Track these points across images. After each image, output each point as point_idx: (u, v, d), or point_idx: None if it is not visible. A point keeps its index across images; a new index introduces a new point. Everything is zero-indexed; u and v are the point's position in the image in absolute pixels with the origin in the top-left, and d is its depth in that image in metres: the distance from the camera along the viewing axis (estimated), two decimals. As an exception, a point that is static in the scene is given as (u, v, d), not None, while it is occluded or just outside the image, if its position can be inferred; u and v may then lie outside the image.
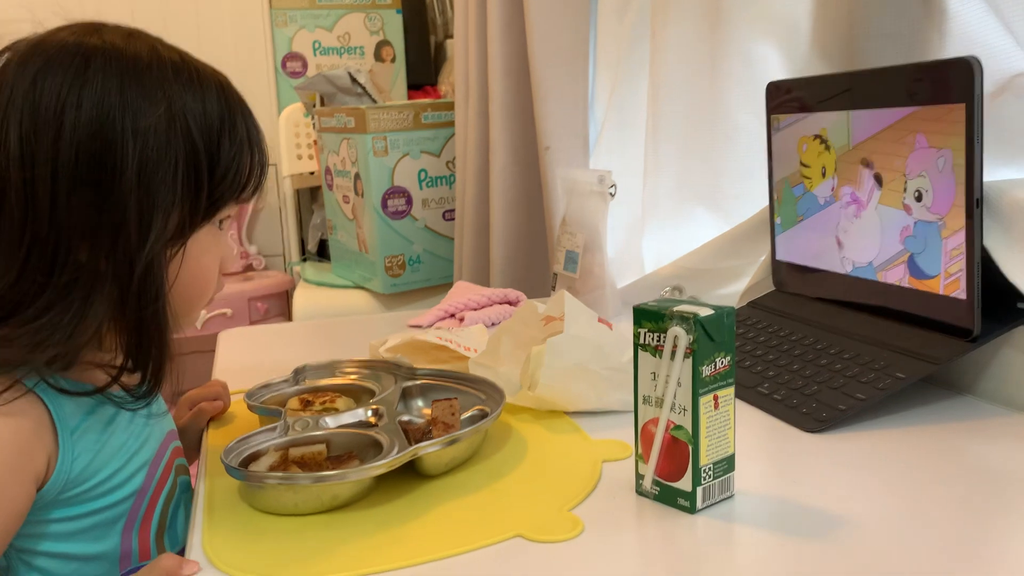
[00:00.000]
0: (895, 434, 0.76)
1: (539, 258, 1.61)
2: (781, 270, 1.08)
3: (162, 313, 0.62)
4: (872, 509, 0.62)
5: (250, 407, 0.81)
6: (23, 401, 0.59)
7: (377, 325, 1.37)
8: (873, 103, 0.89)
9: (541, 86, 1.48)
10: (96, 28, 0.63)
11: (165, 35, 0.68)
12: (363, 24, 2.41)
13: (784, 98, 1.04)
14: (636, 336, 0.64)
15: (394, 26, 2.44)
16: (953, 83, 0.78)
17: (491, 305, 1.32)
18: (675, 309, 0.61)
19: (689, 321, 0.60)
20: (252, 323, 2.25)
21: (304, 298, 1.88)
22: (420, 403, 0.86)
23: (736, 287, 1.21)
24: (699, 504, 0.62)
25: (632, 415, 0.81)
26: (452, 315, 1.31)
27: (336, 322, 1.44)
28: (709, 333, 0.60)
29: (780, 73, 1.13)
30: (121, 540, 0.66)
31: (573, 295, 1.32)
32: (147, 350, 0.62)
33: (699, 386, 0.60)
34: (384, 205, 1.76)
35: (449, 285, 1.87)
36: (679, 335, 0.60)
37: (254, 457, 0.70)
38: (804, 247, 1.02)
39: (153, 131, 0.60)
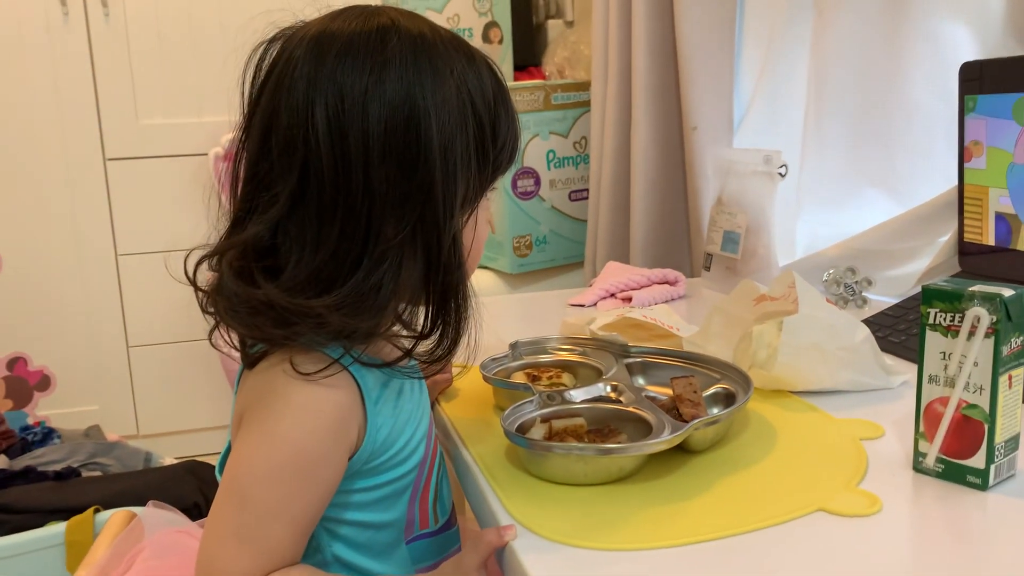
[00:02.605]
0: None
1: (679, 237, 1.61)
2: (971, 252, 1.07)
3: (464, 278, 0.64)
4: None
5: (487, 379, 0.83)
6: (340, 376, 0.61)
7: (531, 304, 1.39)
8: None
9: (689, 66, 1.48)
10: (377, 11, 0.65)
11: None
12: (472, 6, 2.41)
13: (981, 79, 1.03)
14: (925, 316, 0.64)
15: (502, 7, 2.44)
16: None
17: (650, 285, 1.33)
18: (972, 289, 0.62)
19: (994, 301, 0.60)
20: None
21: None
22: (642, 380, 0.87)
23: (909, 269, 1.21)
24: (991, 481, 0.63)
25: (862, 395, 0.83)
26: (612, 295, 1.32)
27: (490, 301, 1.45)
28: (1010, 313, 0.61)
29: (969, 54, 1.12)
30: (407, 509, 0.69)
31: (733, 275, 1.33)
32: (449, 314, 0.64)
33: (999, 365, 0.61)
34: (514, 186, 1.78)
35: (573, 265, 1.89)
36: (981, 315, 0.61)
37: (521, 428, 0.72)
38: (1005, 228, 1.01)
39: (447, 106, 0.61)
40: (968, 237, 1.07)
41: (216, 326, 0.63)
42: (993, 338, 0.61)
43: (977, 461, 0.63)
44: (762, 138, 1.47)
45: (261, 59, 0.65)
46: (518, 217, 1.79)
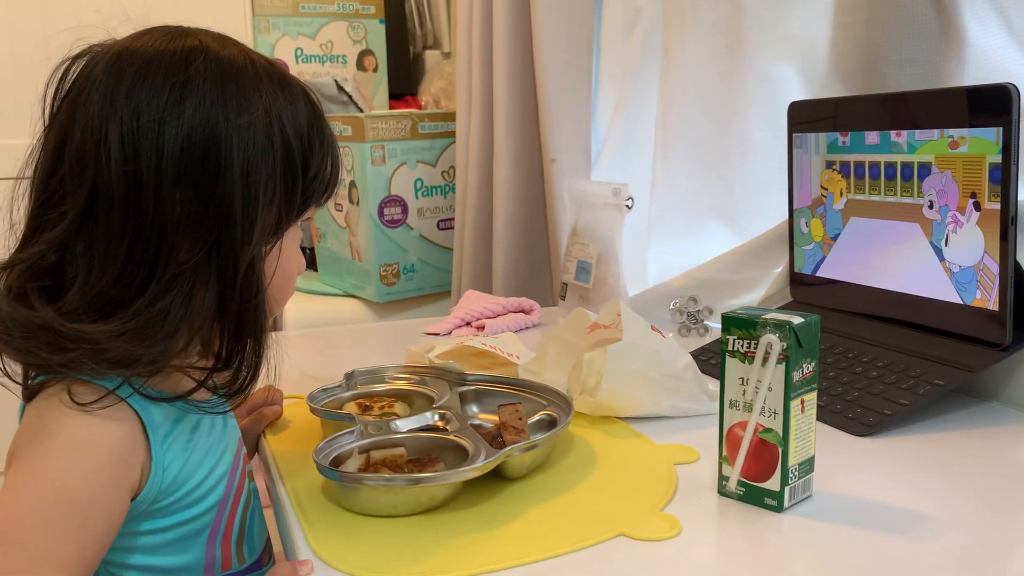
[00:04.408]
0: (940, 437, 0.80)
1: (540, 267, 1.63)
2: (799, 282, 1.12)
3: (262, 307, 0.62)
4: (939, 506, 0.66)
5: (313, 410, 0.82)
6: (118, 410, 0.59)
7: (391, 332, 1.37)
8: (903, 125, 0.94)
9: (547, 99, 1.51)
10: (186, 32, 0.64)
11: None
12: (346, 33, 2.40)
13: (807, 117, 1.08)
14: (724, 343, 0.67)
15: (377, 35, 2.44)
16: (991, 108, 0.83)
17: (506, 314, 1.34)
18: (766, 317, 0.64)
19: (784, 328, 0.63)
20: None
21: (295, 306, 1.87)
22: (475, 408, 0.87)
23: (749, 298, 1.26)
24: (786, 503, 0.65)
25: (686, 420, 0.85)
26: (468, 323, 1.32)
27: (348, 330, 1.44)
28: (800, 340, 0.64)
29: (798, 94, 1.18)
30: (205, 551, 0.66)
31: (586, 303, 1.35)
32: (245, 345, 0.62)
33: (790, 390, 0.64)
34: (380, 214, 1.76)
35: (441, 294, 1.89)
36: (772, 342, 0.63)
37: (337, 460, 0.71)
38: (829, 262, 1.07)
39: (253, 130, 0.60)
40: (798, 268, 1.13)
41: None
42: (784, 364, 0.63)
43: (773, 483, 0.65)
44: (617, 171, 1.51)
45: (64, 75, 0.62)
46: (384, 245, 1.78)
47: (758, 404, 0.65)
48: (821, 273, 1.08)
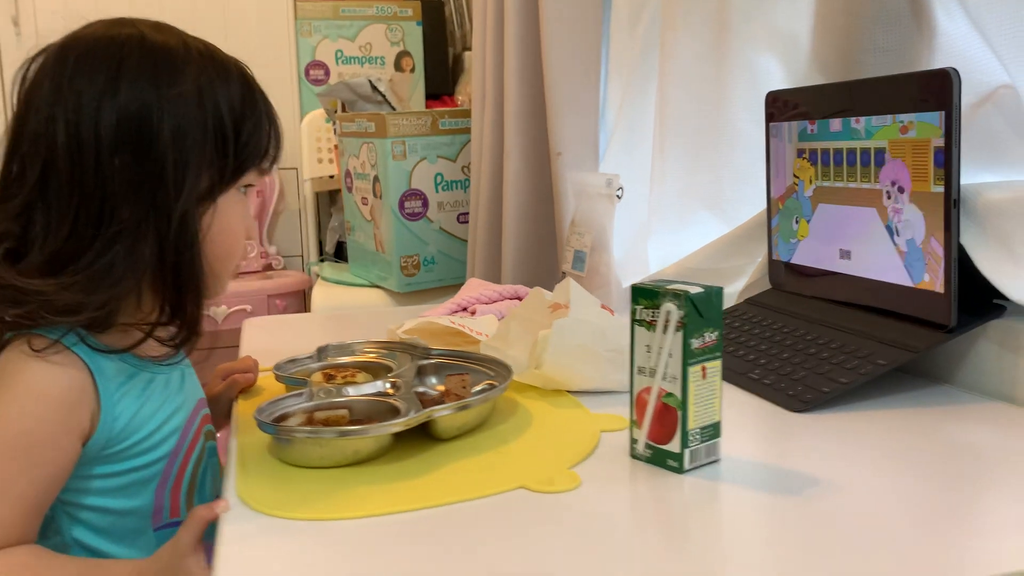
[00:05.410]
0: (875, 415, 0.82)
1: (549, 258, 1.67)
2: (776, 269, 1.14)
3: (197, 261, 0.69)
4: (848, 475, 0.68)
5: (278, 377, 0.88)
6: (68, 358, 0.66)
7: (391, 316, 1.43)
8: (861, 111, 0.95)
9: (554, 95, 1.55)
10: (124, 22, 0.71)
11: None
12: (384, 35, 2.49)
13: (781, 107, 1.10)
14: (632, 312, 0.70)
15: (414, 37, 2.52)
16: (935, 92, 0.84)
17: (501, 300, 1.38)
18: (668, 287, 0.68)
19: (680, 298, 0.66)
20: (270, 320, 2.32)
21: (322, 295, 1.95)
22: (434, 380, 0.92)
23: (737, 286, 1.27)
24: (686, 465, 0.68)
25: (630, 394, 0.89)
26: (464, 308, 1.37)
27: (351, 312, 1.50)
28: (699, 309, 0.67)
29: (781, 84, 1.19)
30: (154, 497, 0.73)
31: (580, 292, 1.38)
32: (184, 296, 0.69)
33: (688, 357, 0.67)
34: (401, 207, 1.83)
35: (460, 285, 1.94)
36: (671, 310, 0.67)
37: (283, 418, 0.77)
38: (801, 249, 1.08)
39: (183, 101, 0.68)
40: (775, 255, 1.14)
41: None
42: (683, 331, 0.67)
43: (674, 446, 0.68)
44: (624, 164, 1.54)
45: (27, 71, 0.70)
46: (405, 238, 1.85)
47: (660, 370, 0.68)
48: (795, 260, 1.10)
